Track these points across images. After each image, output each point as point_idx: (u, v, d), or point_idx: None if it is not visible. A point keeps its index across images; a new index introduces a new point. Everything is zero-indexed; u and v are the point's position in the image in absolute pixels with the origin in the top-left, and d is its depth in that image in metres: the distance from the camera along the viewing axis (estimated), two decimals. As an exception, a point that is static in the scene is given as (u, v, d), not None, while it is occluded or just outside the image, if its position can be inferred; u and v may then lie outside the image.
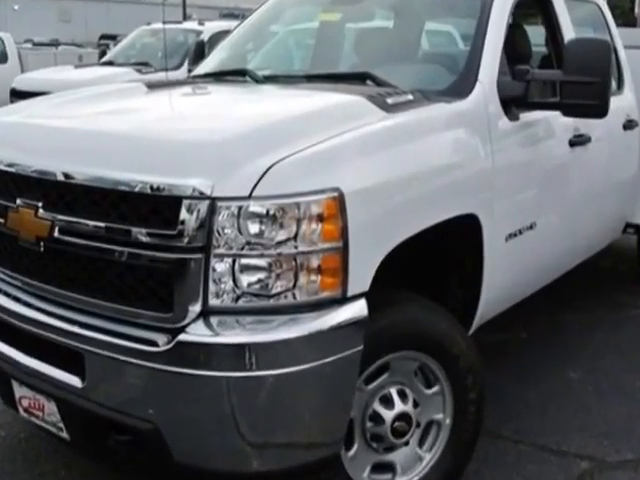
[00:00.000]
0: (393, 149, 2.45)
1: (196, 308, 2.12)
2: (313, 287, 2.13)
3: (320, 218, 2.12)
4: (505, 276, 3.03)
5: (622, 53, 4.37)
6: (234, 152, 2.19)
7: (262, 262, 2.09)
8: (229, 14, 28.40)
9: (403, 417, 2.51)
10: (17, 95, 9.96)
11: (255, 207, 2.08)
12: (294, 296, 2.12)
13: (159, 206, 2.14)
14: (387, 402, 2.51)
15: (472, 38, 3.16)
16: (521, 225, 3.11)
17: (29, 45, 19.12)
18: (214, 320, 2.13)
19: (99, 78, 9.20)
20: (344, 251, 2.16)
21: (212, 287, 2.10)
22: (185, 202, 2.09)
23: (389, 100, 2.67)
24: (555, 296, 4.28)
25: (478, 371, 2.66)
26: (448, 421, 2.64)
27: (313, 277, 2.13)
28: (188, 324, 2.12)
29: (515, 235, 3.06)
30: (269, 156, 2.15)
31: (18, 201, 2.42)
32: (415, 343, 2.52)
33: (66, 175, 2.31)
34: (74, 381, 2.28)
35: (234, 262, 2.09)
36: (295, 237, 2.10)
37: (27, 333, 2.42)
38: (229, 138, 2.27)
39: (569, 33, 3.63)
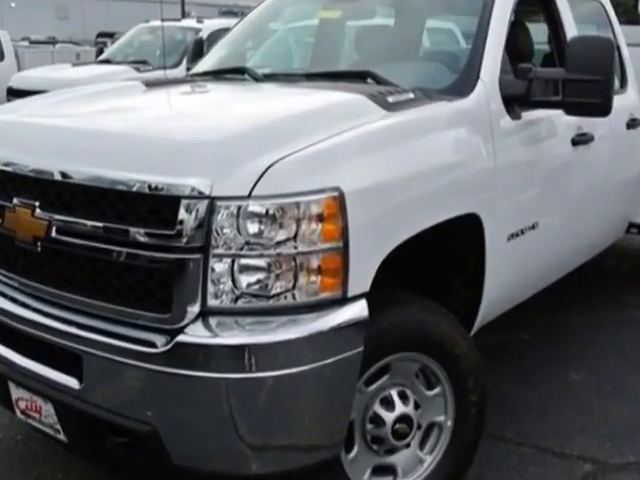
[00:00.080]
0: (394, 148, 2.43)
1: (195, 309, 2.10)
2: (313, 288, 2.11)
3: (320, 218, 2.10)
4: (507, 276, 3.02)
5: (625, 51, 4.36)
6: (233, 151, 2.17)
7: (261, 262, 2.07)
8: (228, 12, 28.35)
9: (404, 419, 2.49)
10: (14, 94, 9.94)
11: (254, 207, 2.06)
12: (294, 297, 2.10)
13: (157, 206, 2.12)
14: (388, 404, 2.49)
15: (474, 36, 3.14)
16: (523, 225, 3.09)
17: (26, 43, 18.99)
18: (213, 321, 2.11)
19: (97, 76, 9.20)
20: (344, 251, 2.14)
21: (211, 288, 2.09)
22: (184, 202, 2.07)
23: (390, 99, 2.65)
24: (557, 297, 4.25)
25: (480, 372, 2.64)
26: (449, 423, 2.62)
27: (313, 277, 2.11)
28: (187, 325, 2.10)
29: (517, 235, 3.04)
30: (268, 155, 2.13)
31: (15, 201, 2.40)
32: (416, 344, 2.50)
33: (63, 174, 2.29)
34: (71, 382, 2.26)
35: (233, 262, 2.07)
36: (295, 237, 2.08)
37: (24, 334, 2.40)
38: (228, 137, 2.25)
39: (572, 31, 3.61)
